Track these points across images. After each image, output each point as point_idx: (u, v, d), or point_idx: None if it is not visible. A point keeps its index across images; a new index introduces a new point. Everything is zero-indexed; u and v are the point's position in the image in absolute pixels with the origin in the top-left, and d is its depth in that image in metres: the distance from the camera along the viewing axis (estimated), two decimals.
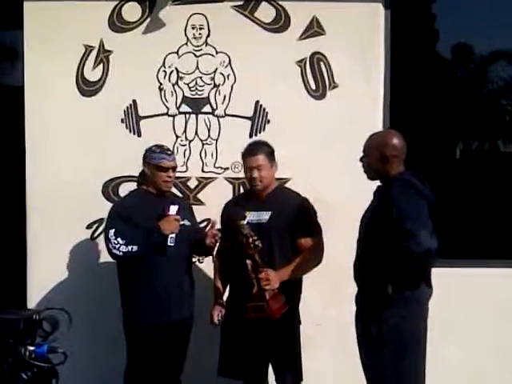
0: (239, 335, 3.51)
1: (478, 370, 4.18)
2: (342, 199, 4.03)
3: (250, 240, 3.25)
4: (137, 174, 3.69)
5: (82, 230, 4.19)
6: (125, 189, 4.08)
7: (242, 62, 4.18)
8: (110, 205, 3.95)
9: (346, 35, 4.18)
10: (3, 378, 2.29)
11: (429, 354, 3.08)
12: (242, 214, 3.48)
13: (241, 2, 4.19)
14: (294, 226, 3.47)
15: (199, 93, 4.23)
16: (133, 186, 3.80)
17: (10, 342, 2.32)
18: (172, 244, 3.48)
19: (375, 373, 2.97)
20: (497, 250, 4.58)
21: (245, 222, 3.42)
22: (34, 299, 4.14)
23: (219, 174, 4.22)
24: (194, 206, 3.95)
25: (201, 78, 4.22)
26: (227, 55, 4.20)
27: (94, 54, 4.20)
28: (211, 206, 3.84)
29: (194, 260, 3.81)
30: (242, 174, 4.08)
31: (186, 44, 4.21)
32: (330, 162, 4.15)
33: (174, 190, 3.86)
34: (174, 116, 4.22)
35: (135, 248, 3.40)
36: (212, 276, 3.77)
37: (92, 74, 4.21)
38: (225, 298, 3.67)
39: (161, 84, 4.21)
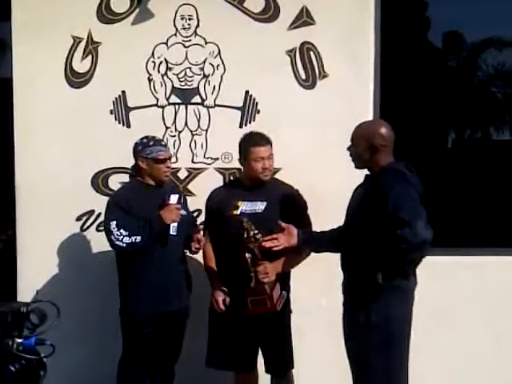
0: (229, 326, 3.51)
1: (470, 358, 4.18)
2: (333, 188, 4.02)
3: (251, 234, 3.21)
4: (126, 166, 3.69)
5: (72, 221, 4.17)
6: (114, 180, 4.08)
7: (231, 53, 4.16)
8: (99, 196, 3.94)
9: (336, 25, 4.15)
10: None
11: (421, 343, 3.08)
12: (235, 203, 3.47)
13: None
14: (288, 217, 3.44)
15: (188, 83, 4.20)
16: (122, 177, 3.79)
17: None
18: (174, 233, 3.47)
19: (361, 361, 2.96)
20: (490, 238, 4.59)
21: (238, 211, 3.41)
22: (23, 291, 4.11)
23: (209, 164, 4.20)
24: None
25: (190, 68, 4.20)
26: (216, 45, 4.17)
27: (82, 45, 4.16)
28: (201, 197, 3.82)
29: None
30: (231, 165, 4.09)
31: (175, 35, 4.18)
32: (321, 151, 4.14)
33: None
34: (163, 107, 4.19)
35: (138, 238, 3.38)
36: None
37: (81, 65, 4.17)
38: None
39: (150, 75, 4.18)
